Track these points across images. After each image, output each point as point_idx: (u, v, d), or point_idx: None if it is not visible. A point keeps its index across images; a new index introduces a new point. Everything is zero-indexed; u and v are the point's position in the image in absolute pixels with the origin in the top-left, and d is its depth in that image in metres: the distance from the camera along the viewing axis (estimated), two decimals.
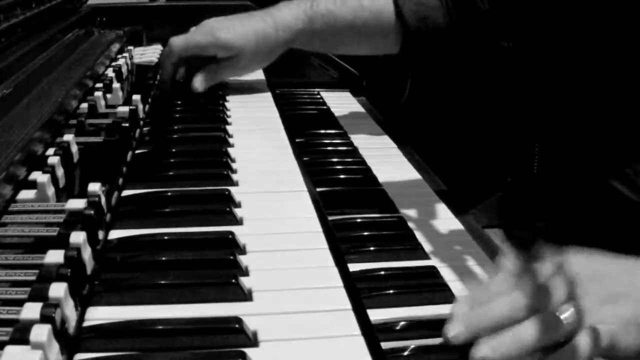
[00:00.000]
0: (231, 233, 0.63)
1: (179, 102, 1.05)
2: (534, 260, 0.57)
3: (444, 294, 0.60)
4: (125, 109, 0.89)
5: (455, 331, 0.52)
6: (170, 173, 0.79)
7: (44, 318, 0.45)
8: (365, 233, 0.70)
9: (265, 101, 1.11)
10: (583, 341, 0.51)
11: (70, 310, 0.49)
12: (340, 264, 0.61)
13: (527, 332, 0.51)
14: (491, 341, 0.51)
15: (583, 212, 0.90)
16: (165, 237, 0.63)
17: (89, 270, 0.55)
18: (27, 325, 0.44)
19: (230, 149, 0.86)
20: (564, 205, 0.94)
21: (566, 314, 0.52)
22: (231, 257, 0.59)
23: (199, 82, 1.06)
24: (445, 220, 0.76)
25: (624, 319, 0.53)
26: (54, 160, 0.68)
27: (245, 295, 0.55)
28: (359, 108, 1.19)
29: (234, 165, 0.82)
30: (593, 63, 0.89)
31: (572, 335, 0.51)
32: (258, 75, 1.21)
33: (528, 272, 0.55)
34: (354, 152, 0.94)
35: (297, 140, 0.94)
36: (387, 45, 1.05)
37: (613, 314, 0.53)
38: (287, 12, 1.04)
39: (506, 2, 0.98)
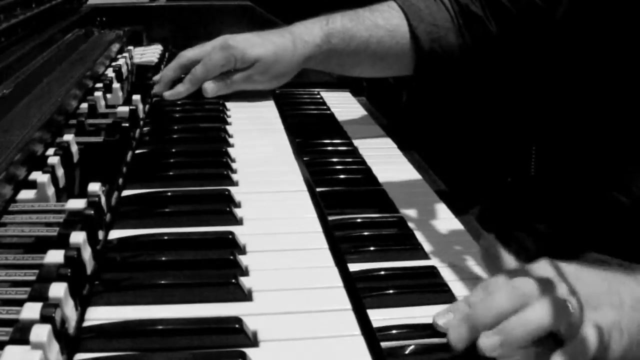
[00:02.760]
0: (231, 233, 0.63)
1: (179, 102, 1.05)
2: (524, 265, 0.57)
3: (444, 294, 0.60)
4: (125, 109, 0.89)
5: (457, 334, 0.52)
6: (170, 173, 0.79)
7: (44, 318, 0.45)
8: (365, 233, 0.70)
9: (265, 101, 1.11)
10: (590, 334, 0.51)
11: (70, 310, 0.49)
12: (340, 264, 0.61)
13: (535, 314, 0.51)
14: (496, 329, 0.50)
15: (580, 215, 0.90)
16: (165, 237, 0.63)
17: (89, 270, 0.55)
18: (27, 325, 0.44)
19: (230, 149, 0.86)
20: (562, 207, 0.94)
21: (572, 303, 0.52)
22: (231, 257, 0.59)
23: (211, 89, 1.05)
24: (445, 220, 0.76)
25: (610, 321, 0.53)
26: (54, 160, 0.68)
27: (245, 295, 0.55)
28: (359, 108, 1.19)
29: (234, 165, 0.82)
30: (592, 67, 0.89)
31: (573, 330, 0.52)
32: None
33: (521, 272, 0.55)
34: (354, 152, 0.94)
35: (297, 140, 0.94)
36: (401, 65, 1.05)
37: (600, 315, 0.53)
38: (303, 28, 1.04)
39: (512, 25, 0.98)
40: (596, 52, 0.87)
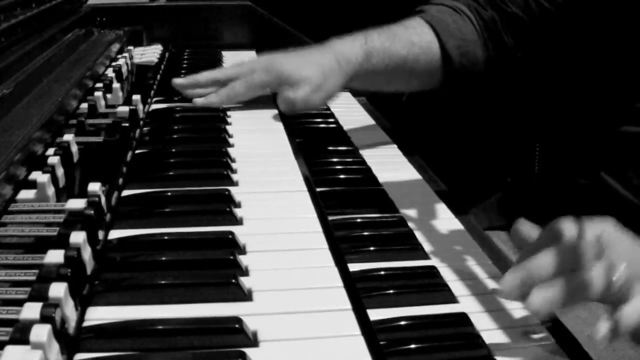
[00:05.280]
0: (231, 233, 0.63)
1: (179, 102, 1.04)
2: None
3: (444, 294, 0.60)
4: (125, 109, 0.89)
5: (508, 283, 0.52)
6: (170, 173, 0.79)
7: (44, 318, 0.45)
8: (365, 233, 0.70)
9: (265, 101, 1.11)
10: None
11: (70, 310, 0.49)
12: (340, 264, 0.61)
13: (584, 280, 0.51)
14: (546, 290, 0.51)
15: (583, 211, 0.90)
16: (165, 237, 0.63)
17: (89, 270, 0.55)
18: (27, 325, 0.44)
19: (230, 149, 0.86)
20: (564, 206, 0.94)
21: (621, 269, 0.52)
22: (231, 257, 0.59)
23: (284, 109, 1.01)
24: (445, 220, 0.76)
25: None
26: (54, 160, 0.68)
27: (245, 295, 0.55)
28: (359, 108, 1.19)
29: (234, 165, 0.82)
30: (596, 66, 0.89)
31: (624, 297, 0.52)
32: None
33: (575, 237, 0.55)
34: (354, 152, 0.94)
35: (297, 140, 0.94)
36: (431, 80, 1.06)
37: None
38: (343, 47, 1.01)
39: (526, 36, 0.99)
40: (602, 50, 0.87)
